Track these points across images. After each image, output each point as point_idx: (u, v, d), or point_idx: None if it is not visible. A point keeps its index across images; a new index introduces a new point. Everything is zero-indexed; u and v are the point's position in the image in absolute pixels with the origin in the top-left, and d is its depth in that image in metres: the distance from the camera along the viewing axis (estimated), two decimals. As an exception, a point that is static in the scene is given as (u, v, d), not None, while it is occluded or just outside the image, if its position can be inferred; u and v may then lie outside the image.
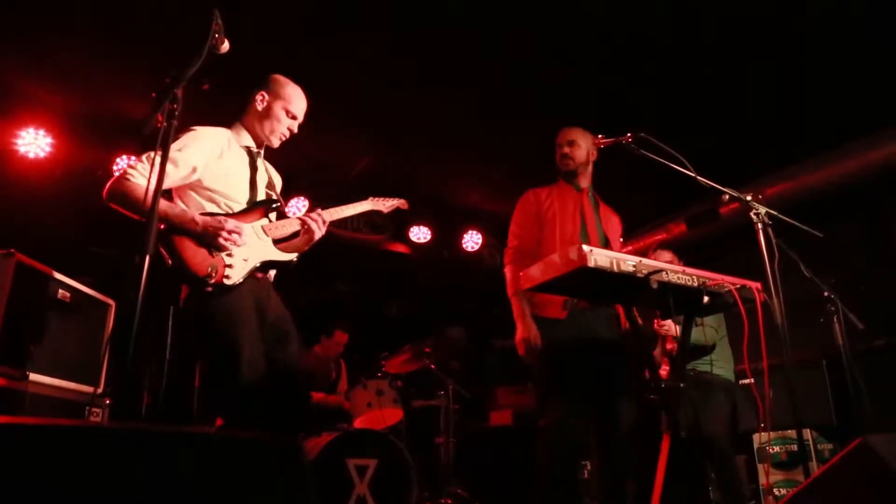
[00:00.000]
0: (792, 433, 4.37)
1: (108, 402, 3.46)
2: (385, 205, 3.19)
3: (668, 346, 4.14)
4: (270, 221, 2.68)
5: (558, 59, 4.43)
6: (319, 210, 2.78)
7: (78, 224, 5.07)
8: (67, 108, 4.92)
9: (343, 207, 2.93)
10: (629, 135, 2.91)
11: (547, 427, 2.93)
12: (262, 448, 1.08)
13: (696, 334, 2.92)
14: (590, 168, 3.34)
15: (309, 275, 3.28)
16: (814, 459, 4.25)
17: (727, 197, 2.95)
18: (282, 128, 2.76)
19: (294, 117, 2.79)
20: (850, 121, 4.79)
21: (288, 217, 2.78)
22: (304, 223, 2.73)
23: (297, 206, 5.97)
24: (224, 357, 2.38)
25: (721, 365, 4.10)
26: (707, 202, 5.84)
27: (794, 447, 4.34)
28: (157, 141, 1.76)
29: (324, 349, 5.30)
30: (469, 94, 4.83)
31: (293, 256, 2.69)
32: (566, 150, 3.29)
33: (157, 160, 2.29)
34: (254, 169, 2.72)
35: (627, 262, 2.30)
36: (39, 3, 3.93)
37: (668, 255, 4.31)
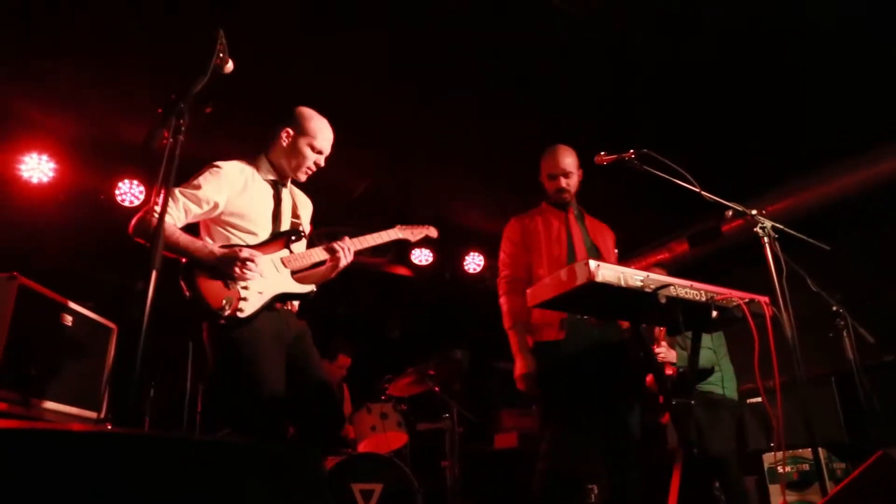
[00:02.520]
0: (803, 452, 4.30)
1: (109, 427, 3.43)
2: (413, 233, 3.13)
3: (668, 372, 4.10)
4: (291, 253, 2.68)
5: (559, 79, 4.46)
6: (346, 238, 2.76)
7: (80, 248, 5.07)
8: (70, 132, 4.94)
9: (370, 236, 2.89)
10: (631, 151, 2.90)
11: (547, 450, 2.90)
12: (280, 456, 1.07)
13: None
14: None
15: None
16: (826, 479, 4.17)
17: (731, 213, 2.94)
18: (307, 163, 2.77)
19: (320, 152, 2.78)
20: (851, 135, 4.81)
21: (316, 246, 2.77)
22: (332, 250, 2.71)
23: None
24: (243, 384, 2.43)
25: (725, 384, 4.06)
26: (709, 220, 5.84)
27: (806, 466, 4.26)
28: (161, 157, 1.76)
29: (327, 373, 5.25)
30: (471, 114, 4.85)
31: (312, 288, 2.67)
32: (563, 183, 3.23)
33: (176, 191, 2.50)
34: (278, 201, 2.75)
35: (635, 276, 2.28)
36: (41, 29, 3.97)
37: (662, 273, 4.28)
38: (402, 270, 6.72)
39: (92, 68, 4.32)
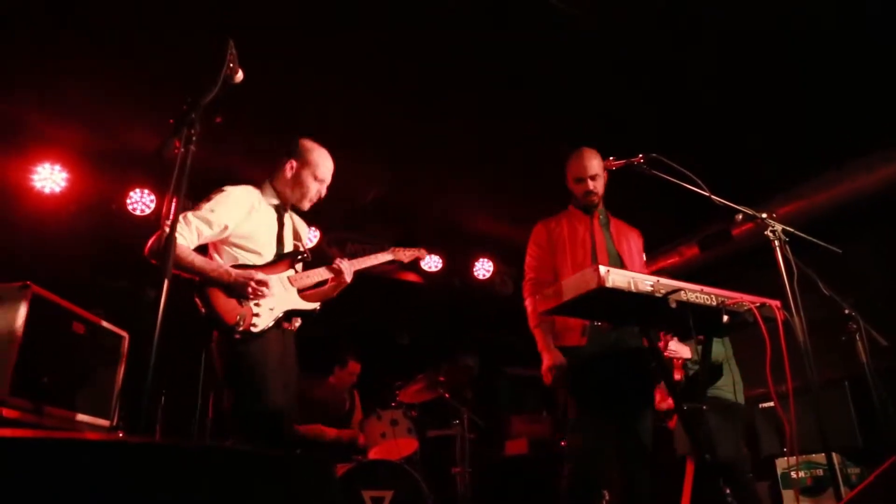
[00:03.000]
0: (817, 458, 4.26)
1: (121, 434, 3.44)
2: (405, 255, 3.37)
3: (677, 377, 4.09)
4: (296, 272, 2.88)
5: (566, 83, 4.46)
6: (346, 259, 2.99)
7: (91, 257, 5.10)
8: (82, 143, 4.98)
9: (366, 258, 3.13)
10: (640, 156, 2.90)
11: (569, 453, 2.96)
12: (293, 464, 1.08)
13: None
14: None
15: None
16: (841, 484, 4.13)
17: (741, 217, 2.92)
18: (311, 192, 2.96)
19: (322, 181, 2.98)
20: (860, 137, 4.78)
21: (316, 268, 2.96)
22: (335, 270, 2.93)
23: (309, 236, 5.98)
24: (251, 393, 2.59)
25: (731, 389, 4.04)
26: (719, 224, 5.81)
27: (820, 472, 4.23)
28: (173, 166, 1.77)
29: (338, 380, 5.26)
30: (479, 121, 4.86)
31: (316, 305, 2.88)
32: (591, 185, 3.25)
33: (189, 214, 2.64)
34: (281, 225, 2.94)
35: (645, 281, 2.28)
36: (52, 40, 4.01)
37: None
38: (412, 277, 6.72)
39: (102, 79, 4.36)
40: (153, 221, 5.26)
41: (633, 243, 3.34)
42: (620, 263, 3.17)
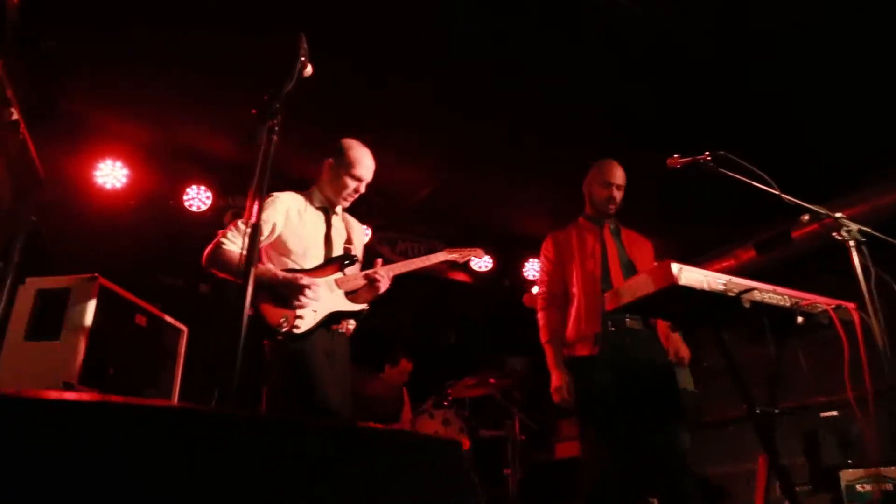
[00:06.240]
0: (886, 471, 4.08)
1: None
2: (461, 255, 3.22)
3: None
4: (344, 275, 2.83)
5: (621, 83, 4.39)
6: (385, 266, 2.89)
7: (149, 252, 5.21)
8: (141, 139, 5.11)
9: (418, 259, 2.99)
10: (707, 153, 2.81)
11: (586, 463, 2.99)
12: (427, 446, 1.09)
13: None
14: None
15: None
16: (912, 499, 3.94)
17: (807, 217, 2.81)
18: (348, 191, 2.93)
19: (360, 179, 2.93)
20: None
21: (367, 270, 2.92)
22: (372, 279, 2.83)
23: (362, 236, 6.00)
24: (299, 393, 2.60)
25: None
26: (778, 225, 5.63)
27: (890, 487, 4.04)
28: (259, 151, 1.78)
29: (389, 377, 5.28)
30: (531, 121, 4.82)
31: (364, 306, 2.83)
32: (616, 193, 3.27)
33: (239, 222, 2.69)
34: (329, 227, 2.94)
35: (717, 280, 2.21)
36: (115, 40, 4.11)
37: None
38: (462, 276, 6.71)
39: (162, 76, 4.45)
40: (209, 217, 5.35)
41: (645, 252, 3.32)
42: (633, 270, 3.15)
